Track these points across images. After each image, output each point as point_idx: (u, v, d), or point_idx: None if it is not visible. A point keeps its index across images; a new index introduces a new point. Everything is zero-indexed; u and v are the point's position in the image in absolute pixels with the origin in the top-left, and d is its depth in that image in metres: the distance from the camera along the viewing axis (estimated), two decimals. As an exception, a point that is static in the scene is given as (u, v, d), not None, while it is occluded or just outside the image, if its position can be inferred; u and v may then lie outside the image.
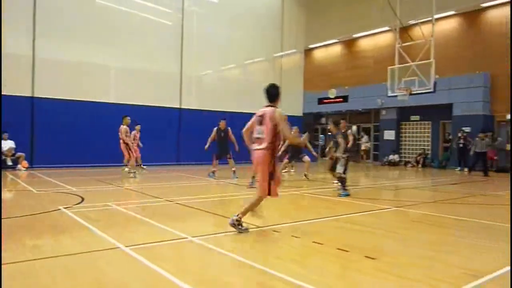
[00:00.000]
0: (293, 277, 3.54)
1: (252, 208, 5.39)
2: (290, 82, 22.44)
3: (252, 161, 5.49)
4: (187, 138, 18.07)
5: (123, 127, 12.61)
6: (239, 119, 18.86)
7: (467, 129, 18.40)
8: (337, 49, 27.59)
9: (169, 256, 4.28)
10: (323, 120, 28.69)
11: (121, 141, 12.66)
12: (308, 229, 5.79)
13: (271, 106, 5.41)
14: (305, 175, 12.84)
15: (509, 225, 6.22)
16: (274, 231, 5.45)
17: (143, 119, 15.24)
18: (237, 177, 12.09)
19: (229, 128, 12.40)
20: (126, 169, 13.11)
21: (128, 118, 12.86)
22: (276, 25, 22.00)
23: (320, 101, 25.84)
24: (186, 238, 4.88)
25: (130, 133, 13.21)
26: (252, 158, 5.44)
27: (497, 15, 19.66)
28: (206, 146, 12.28)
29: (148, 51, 17.35)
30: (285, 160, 12.86)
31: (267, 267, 3.80)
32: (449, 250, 4.76)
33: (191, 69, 18.96)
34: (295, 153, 12.89)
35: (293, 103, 22.64)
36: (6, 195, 8.55)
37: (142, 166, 14.94)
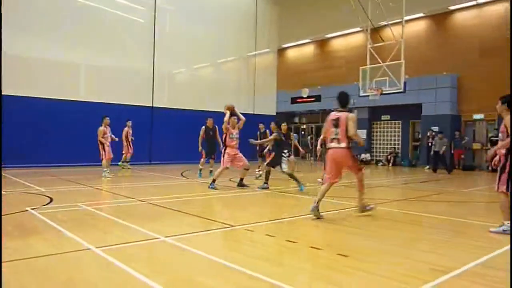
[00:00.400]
0: (267, 275, 3.54)
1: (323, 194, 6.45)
2: (263, 81, 22.52)
3: (327, 158, 6.51)
4: (160, 137, 17.86)
5: (100, 128, 12.44)
6: (214, 118, 18.87)
7: (436, 129, 18.94)
8: (310, 49, 27.87)
9: (141, 257, 4.22)
10: (296, 119, 28.94)
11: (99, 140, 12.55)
12: (282, 227, 5.82)
13: (343, 110, 6.41)
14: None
15: (475, 221, 6.44)
16: (248, 230, 5.45)
17: (114, 117, 14.85)
18: (211, 176, 11.93)
19: (216, 126, 12.29)
20: (125, 164, 14.66)
21: (107, 118, 12.70)
22: (250, 24, 22.01)
23: (293, 100, 26.06)
24: (159, 238, 4.82)
25: (123, 130, 14.55)
26: (328, 156, 6.44)
27: (464, 18, 20.31)
28: (200, 148, 12.31)
29: (119, 49, 17.04)
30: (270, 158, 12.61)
31: (241, 266, 3.80)
32: (419, 246, 4.88)
33: (164, 67, 18.74)
34: (281, 151, 12.63)
35: (266, 102, 22.72)
36: (-31, 196, 8.22)
37: (127, 164, 15.27)
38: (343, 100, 6.56)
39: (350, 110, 6.52)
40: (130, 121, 15.15)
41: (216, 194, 9.10)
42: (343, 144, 6.26)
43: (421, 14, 21.23)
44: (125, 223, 5.62)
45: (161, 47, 18.32)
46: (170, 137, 17.77)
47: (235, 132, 10.07)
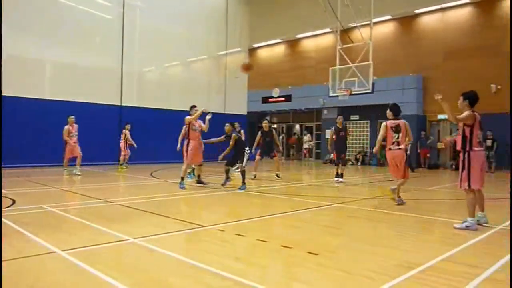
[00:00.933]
0: (238, 275, 3.54)
1: (399, 188, 7.75)
2: (234, 81, 22.45)
3: (387, 158, 7.90)
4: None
5: (65, 127, 12.34)
6: (179, 117, 18.43)
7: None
8: (280, 49, 28.04)
9: (109, 259, 4.13)
10: (267, 119, 29.03)
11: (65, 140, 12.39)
12: (253, 226, 5.83)
13: (398, 118, 7.86)
14: (277, 175, 12.48)
15: (440, 218, 6.64)
16: (219, 230, 5.43)
17: (81, 116, 14.50)
18: (193, 176, 11.60)
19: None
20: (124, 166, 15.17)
21: (72, 117, 12.53)
22: (221, 23, 21.91)
23: (264, 100, 26.15)
24: (128, 239, 4.73)
25: (121, 133, 15.13)
26: (389, 156, 7.83)
27: (429, 21, 20.93)
28: (178, 146, 11.30)
29: (86, 46, 16.61)
30: (257, 157, 12.67)
31: (212, 266, 3.78)
32: (386, 243, 4.99)
33: (133, 65, 18.40)
34: (266, 150, 12.60)
35: (237, 101, 22.67)
36: None
37: (125, 165, 15.61)
38: (397, 111, 7.93)
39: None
40: (129, 125, 15.70)
41: (187, 194, 9.02)
42: (402, 146, 7.68)
43: (389, 17, 21.73)
44: (93, 225, 5.49)
45: (130, 45, 17.99)
46: (139, 137, 17.44)
47: (197, 125, 10.04)
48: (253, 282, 3.39)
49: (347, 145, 12.79)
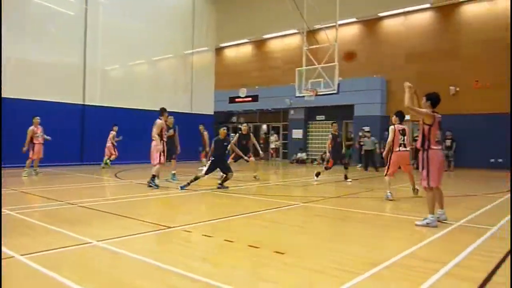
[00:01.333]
0: (204, 276, 3.51)
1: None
2: (201, 80, 22.31)
3: (393, 159, 8.72)
4: (92, 136, 17.04)
5: (29, 128, 12.17)
6: (149, 117, 18.29)
7: (367, 129, 19.87)
8: (247, 49, 28.07)
9: (71, 263, 3.99)
10: (234, 119, 29.03)
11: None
12: (220, 227, 5.80)
13: (403, 123, 8.94)
14: (255, 177, 12.45)
15: (402, 216, 6.83)
16: (185, 231, 5.37)
17: (42, 115, 14.02)
18: (177, 180, 11.12)
19: (176, 126, 11.64)
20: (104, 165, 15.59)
21: (37, 118, 12.36)
22: (187, 21, 21.68)
23: (231, 100, 26.11)
24: (91, 242, 4.60)
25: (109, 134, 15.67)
26: (397, 157, 8.74)
27: (392, 24, 21.51)
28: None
29: (48, 42, 16.03)
30: (230, 160, 12.55)
31: (178, 268, 3.73)
32: (352, 241, 5.09)
33: (96, 63, 17.86)
34: (242, 152, 12.41)
35: (203, 101, 22.51)
36: None
37: (108, 165, 15.81)
38: (402, 116, 8.95)
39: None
40: (117, 126, 16.19)
41: (153, 195, 8.88)
42: (408, 148, 8.79)
43: (354, 19, 22.18)
44: (53, 228, 5.30)
45: (93, 42, 17.49)
46: (103, 136, 17.01)
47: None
48: (221, 282, 3.37)
49: (342, 149, 13.19)
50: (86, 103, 17.36)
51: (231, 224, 6.05)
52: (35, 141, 12.20)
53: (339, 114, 22.34)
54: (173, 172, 11.45)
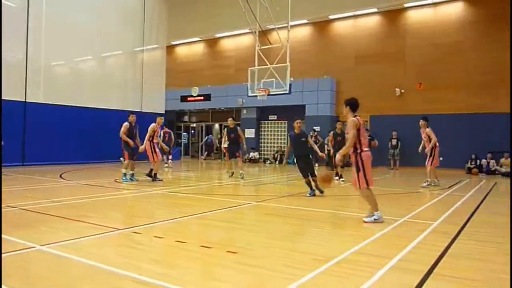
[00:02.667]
0: (155, 278, 3.44)
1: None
2: (151, 78, 21.80)
3: (366, 159, 6.21)
4: (35, 135, 16.17)
5: None
6: (97, 115, 17.79)
7: (318, 128, 20.31)
8: (200, 47, 27.81)
9: (12, 269, 3.75)
10: (186, 117, 28.69)
11: None
12: (171, 228, 5.70)
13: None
14: (240, 174, 12.71)
15: (352, 213, 7.04)
16: (135, 232, 5.23)
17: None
18: (137, 180, 11.12)
19: (137, 125, 11.39)
20: None
21: None
22: (137, 17, 21.08)
23: (183, 98, 25.77)
24: (34, 247, 4.36)
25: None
26: (368, 157, 6.26)
27: (342, 27, 22.10)
28: (131, 142, 10.82)
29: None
30: (226, 159, 12.74)
31: (129, 271, 3.62)
32: (303, 239, 5.18)
33: (39, 58, 16.89)
34: (232, 151, 12.80)
35: (154, 100, 22.01)
36: None
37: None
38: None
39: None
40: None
41: (101, 196, 8.58)
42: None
43: (305, 21, 22.56)
44: (-8, 232, 4.97)
45: (35, 36, 16.56)
46: (47, 136, 16.21)
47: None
48: (173, 284, 3.32)
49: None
50: (28, 101, 16.44)
51: (183, 225, 5.97)
52: None
53: (291, 114, 22.65)
54: (131, 172, 11.33)
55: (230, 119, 13.23)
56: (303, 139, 9.22)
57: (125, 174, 11.08)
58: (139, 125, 11.55)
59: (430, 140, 11.15)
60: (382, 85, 20.12)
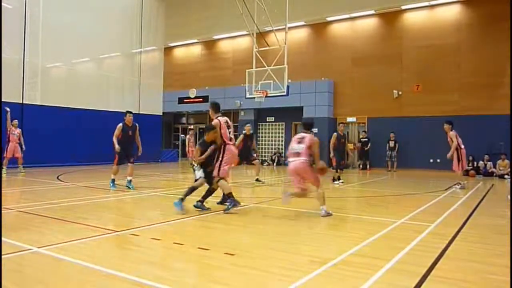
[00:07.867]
0: (153, 280, 3.44)
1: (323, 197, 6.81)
2: (149, 80, 21.77)
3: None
4: (32, 137, 16.07)
5: None
6: (94, 117, 17.75)
7: (315, 130, 20.30)
8: (197, 49, 27.81)
9: (8, 271, 3.74)
10: (184, 119, 28.66)
11: None
12: (169, 230, 5.70)
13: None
14: (257, 179, 12.48)
15: (347, 215, 7.05)
16: (133, 234, 5.22)
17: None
18: (134, 188, 9.86)
19: (137, 124, 10.33)
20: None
21: None
22: (135, 19, 21.06)
23: (181, 100, 25.76)
24: (31, 249, 4.35)
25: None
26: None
27: (339, 29, 22.15)
28: (116, 147, 9.62)
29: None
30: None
31: (126, 273, 3.62)
32: (300, 241, 5.18)
33: (36, 60, 16.83)
34: (245, 155, 12.46)
35: (152, 101, 21.97)
36: None
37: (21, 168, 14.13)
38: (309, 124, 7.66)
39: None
40: (16, 120, 14.33)
41: (98, 198, 8.56)
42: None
43: (303, 23, 22.60)
44: (-12, 234, 4.95)
45: (33, 38, 16.52)
46: (44, 138, 16.15)
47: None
48: (171, 286, 3.32)
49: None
50: (25, 102, 16.39)
51: (181, 227, 5.96)
52: None
53: (289, 116, 22.69)
54: (129, 178, 10.08)
55: (248, 125, 13.11)
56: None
57: (113, 181, 9.89)
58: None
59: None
60: (380, 87, 20.16)
